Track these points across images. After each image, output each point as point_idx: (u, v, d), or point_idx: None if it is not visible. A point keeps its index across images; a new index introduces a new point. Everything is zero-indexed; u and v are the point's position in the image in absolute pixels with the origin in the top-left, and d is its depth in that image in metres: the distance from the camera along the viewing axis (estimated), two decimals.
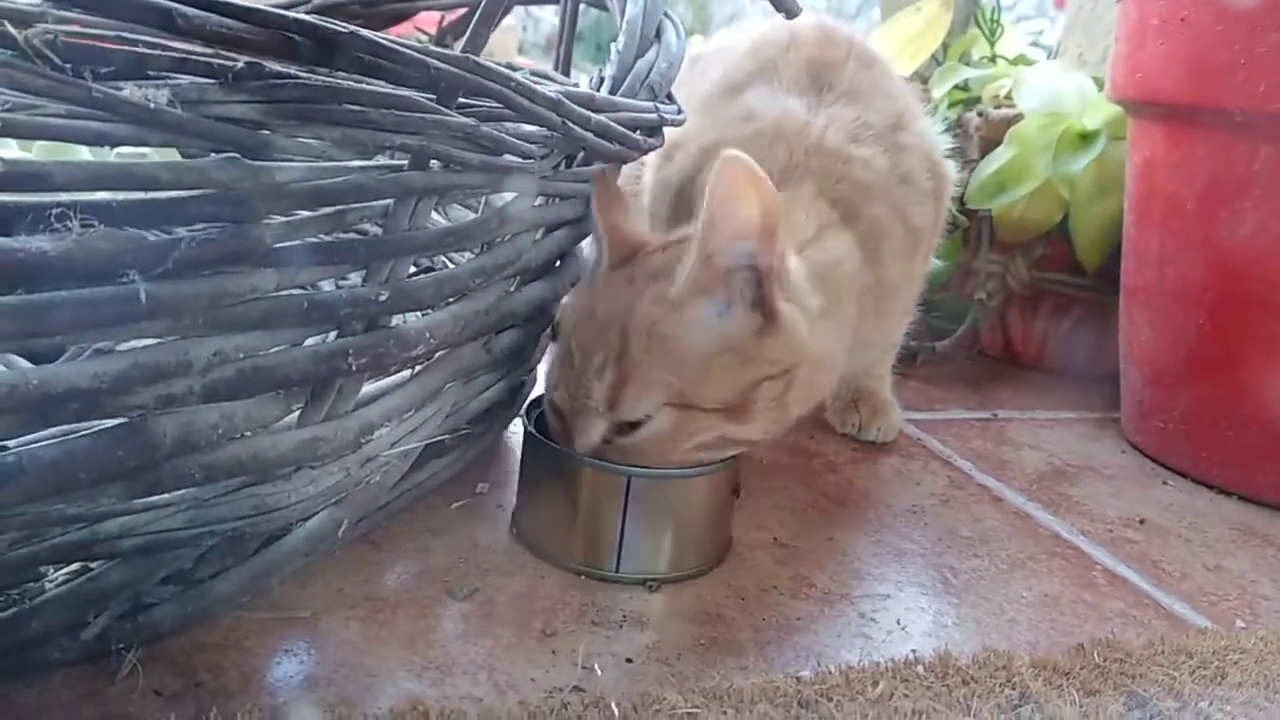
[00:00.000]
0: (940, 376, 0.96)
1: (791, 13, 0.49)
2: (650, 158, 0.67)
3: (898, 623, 0.51)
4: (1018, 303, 1.00)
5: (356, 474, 0.45)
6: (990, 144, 0.94)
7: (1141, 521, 0.68)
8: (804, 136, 0.62)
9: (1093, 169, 0.86)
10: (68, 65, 0.28)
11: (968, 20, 1.11)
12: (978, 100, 0.99)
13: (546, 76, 0.77)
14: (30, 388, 0.32)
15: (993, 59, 1.08)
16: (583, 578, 0.51)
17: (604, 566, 0.51)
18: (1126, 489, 0.75)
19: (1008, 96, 0.97)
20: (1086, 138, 0.86)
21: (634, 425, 0.50)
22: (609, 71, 0.59)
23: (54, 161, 0.30)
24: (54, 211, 0.30)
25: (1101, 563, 0.61)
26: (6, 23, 0.26)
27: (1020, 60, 1.07)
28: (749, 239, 0.48)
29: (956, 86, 1.00)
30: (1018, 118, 0.92)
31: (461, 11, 0.89)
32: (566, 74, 0.76)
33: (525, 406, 0.57)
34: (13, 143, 0.49)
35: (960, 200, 0.95)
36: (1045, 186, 0.89)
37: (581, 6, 0.76)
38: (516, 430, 0.66)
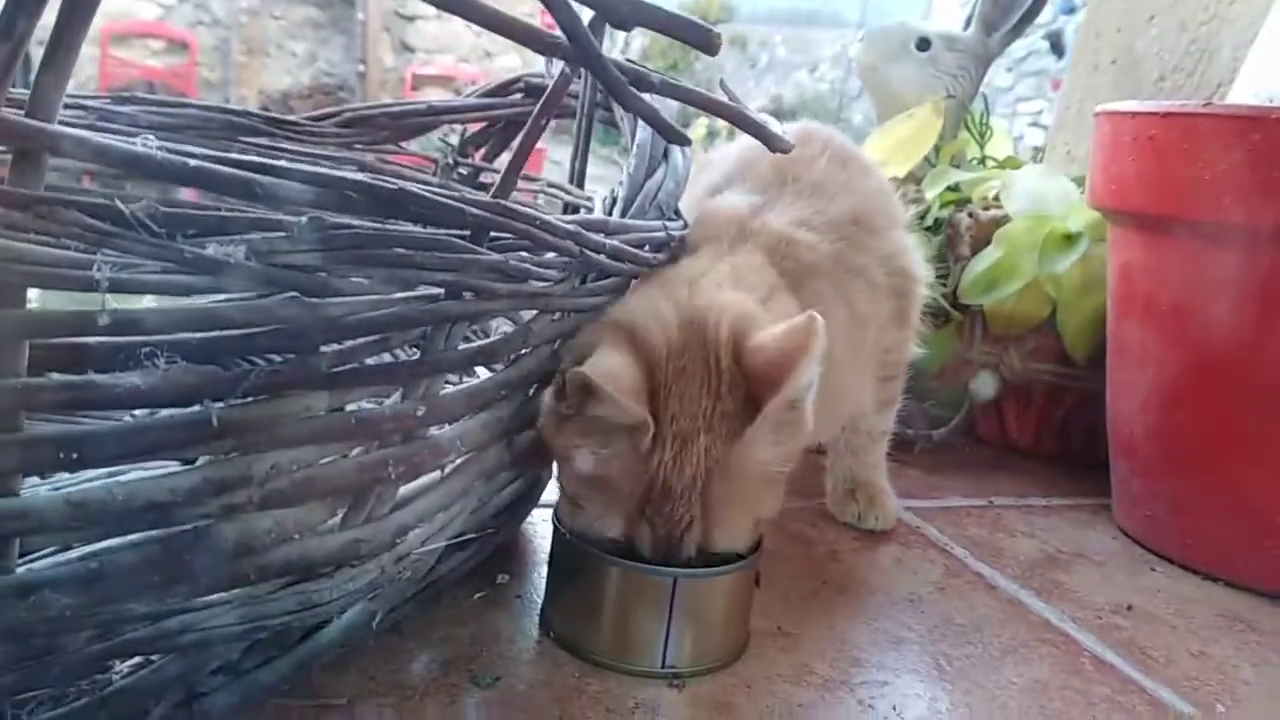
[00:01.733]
0: (938, 464, 1.00)
1: (782, 151, 0.54)
2: None
3: (894, 709, 0.54)
4: (1012, 392, 1.04)
5: (390, 570, 0.49)
6: (980, 243, 0.99)
7: (1129, 608, 0.72)
8: (753, 219, 0.67)
9: (1077, 268, 0.91)
10: (163, 231, 0.33)
11: (958, 124, 1.17)
12: (968, 201, 1.05)
13: (563, 189, 0.83)
14: (117, 502, 0.36)
15: (982, 160, 1.14)
16: (599, 667, 0.55)
17: (634, 662, 0.55)
18: (1116, 576, 0.78)
19: (996, 198, 1.02)
20: (1070, 239, 0.92)
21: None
22: (621, 192, 0.65)
23: (148, 310, 0.35)
24: (144, 350, 0.35)
25: (1090, 649, 0.64)
26: (117, 200, 0.32)
27: (1009, 163, 1.13)
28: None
29: (948, 188, 1.06)
30: (1006, 219, 0.98)
31: (481, 124, 0.96)
32: (581, 186, 0.82)
33: (556, 507, 0.59)
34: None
35: (953, 295, 1.00)
36: (1033, 284, 0.94)
37: None
38: (532, 522, 0.70)
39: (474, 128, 0.98)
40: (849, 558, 0.75)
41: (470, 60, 6.08)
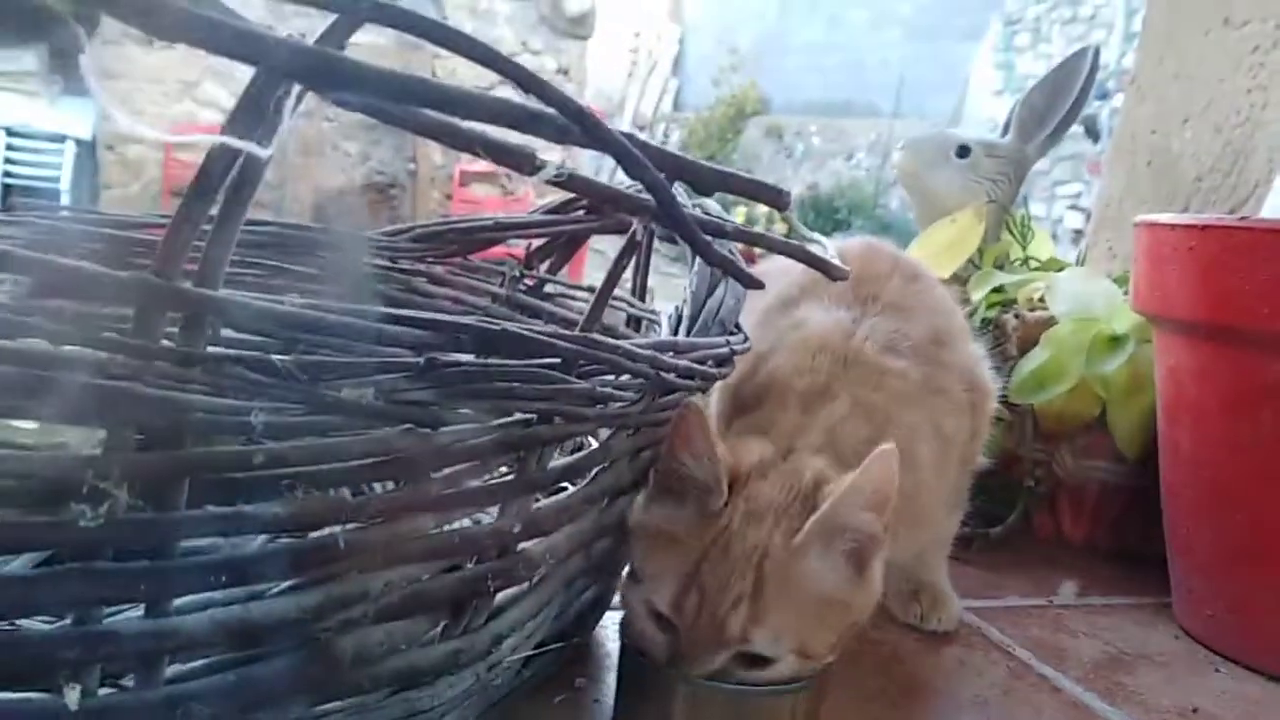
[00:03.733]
0: (996, 563, 1.01)
1: (841, 279, 0.58)
2: None
3: None
4: (1066, 489, 1.06)
5: (484, 678, 0.52)
6: (1028, 343, 1.02)
7: (1195, 710, 0.72)
8: (845, 347, 0.69)
9: (1125, 369, 0.94)
10: (305, 377, 0.38)
11: (1000, 227, 1.21)
12: (1013, 302, 1.08)
13: (629, 302, 0.88)
14: (253, 620, 0.40)
15: (1025, 262, 1.17)
16: None
17: None
18: (1179, 676, 0.78)
19: (1041, 299, 1.06)
20: (1116, 340, 0.94)
21: (757, 660, 0.55)
22: (685, 310, 0.69)
23: (291, 447, 0.39)
24: (285, 483, 0.40)
25: None
26: (271, 355, 0.36)
27: (1051, 264, 1.17)
28: (874, 514, 0.55)
29: (993, 289, 1.10)
30: (1051, 320, 1.01)
31: (543, 240, 1.02)
32: (642, 299, 0.87)
33: (622, 620, 0.62)
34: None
35: (1003, 395, 1.03)
36: (1081, 384, 0.96)
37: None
38: (604, 626, 0.73)
39: (537, 242, 1.04)
40: (911, 659, 0.76)
41: None
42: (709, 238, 0.47)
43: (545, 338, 0.47)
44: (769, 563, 0.54)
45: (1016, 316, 1.05)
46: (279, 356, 0.37)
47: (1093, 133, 6.61)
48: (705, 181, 0.43)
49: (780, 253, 0.54)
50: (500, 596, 0.54)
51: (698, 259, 0.75)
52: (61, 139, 5.13)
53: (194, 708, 0.39)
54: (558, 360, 0.49)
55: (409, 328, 0.42)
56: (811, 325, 0.71)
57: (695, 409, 0.56)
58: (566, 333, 0.48)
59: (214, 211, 0.35)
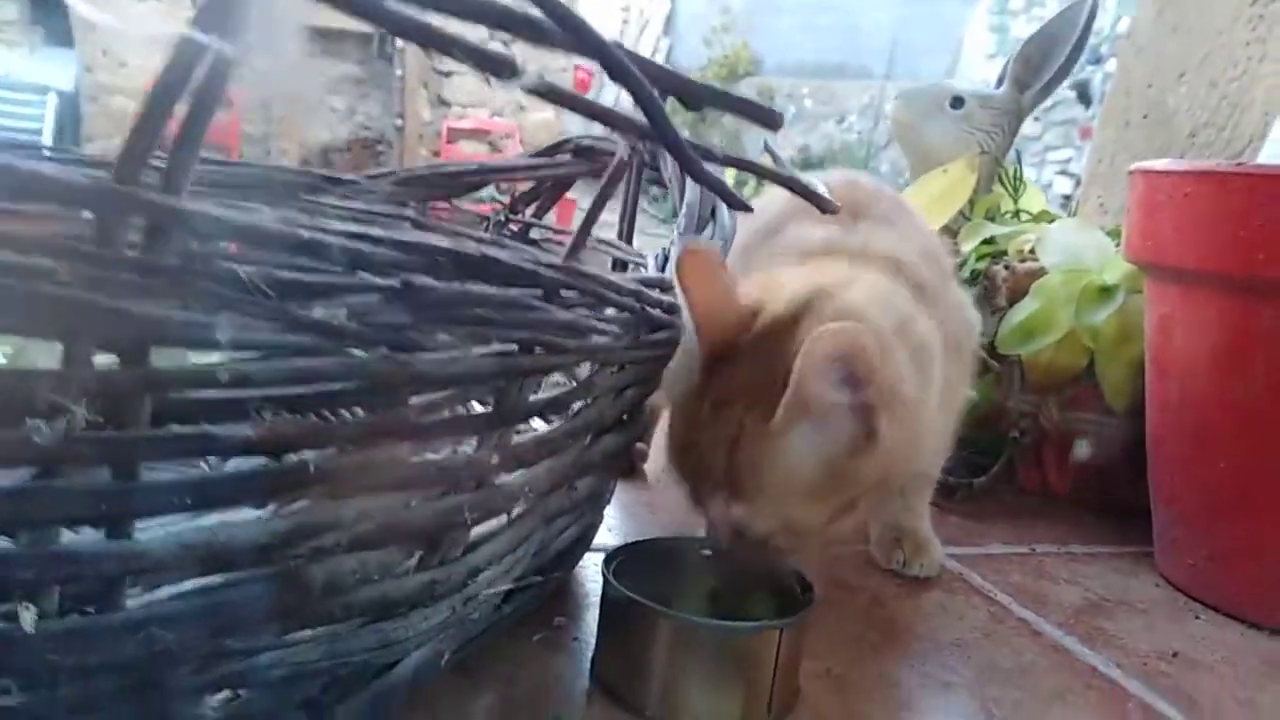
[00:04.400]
0: (979, 512, 1.01)
1: (832, 212, 0.57)
2: None
3: None
4: (1052, 441, 1.06)
5: (460, 611, 0.52)
6: (1017, 294, 1.01)
7: (1175, 655, 0.72)
8: (853, 246, 0.67)
9: (1114, 320, 0.93)
10: (274, 294, 0.37)
11: (992, 179, 1.20)
12: (1004, 254, 1.07)
13: (614, 245, 0.86)
14: (219, 544, 0.39)
15: (1016, 214, 1.16)
16: None
17: (679, 717, 0.55)
18: (1160, 623, 0.79)
19: (1031, 251, 1.05)
20: (1106, 291, 0.94)
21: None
22: (672, 251, 0.68)
23: (259, 365, 0.38)
24: (254, 405, 0.38)
25: (1136, 695, 0.65)
26: (235, 265, 0.35)
27: (1043, 216, 1.16)
28: (859, 387, 0.53)
29: (984, 241, 1.09)
30: (1041, 271, 1.00)
31: (529, 185, 1.00)
32: (629, 242, 0.86)
33: (605, 556, 0.61)
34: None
35: (991, 345, 1.02)
36: (1070, 335, 0.96)
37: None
38: (584, 566, 0.73)
39: (522, 186, 1.02)
40: (893, 604, 0.76)
41: (504, 114, 6.21)
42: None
43: (527, 265, 0.45)
44: (740, 448, 0.55)
45: (1007, 268, 1.04)
46: (246, 269, 0.36)
47: (1085, 98, 6.57)
48: (696, 96, 0.41)
49: (771, 180, 0.52)
50: (478, 530, 0.53)
51: (685, 197, 0.74)
52: (44, 90, 5.04)
53: (157, 632, 0.38)
54: (539, 290, 0.48)
55: (385, 249, 0.40)
56: (809, 238, 0.69)
57: (700, 252, 0.55)
58: (549, 261, 0.47)
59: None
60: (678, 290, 0.56)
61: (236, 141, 5.67)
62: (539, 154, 0.98)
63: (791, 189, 0.53)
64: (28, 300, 0.32)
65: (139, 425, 0.36)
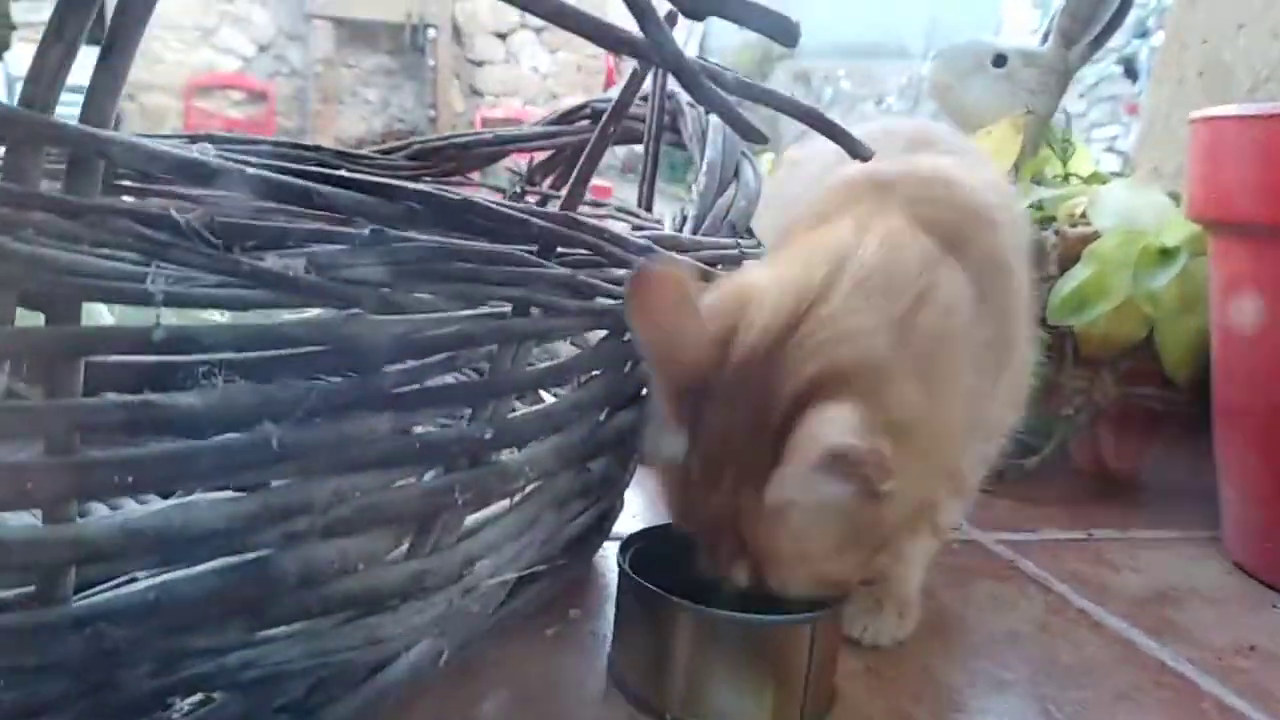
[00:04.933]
0: (1031, 495, 0.94)
1: (863, 157, 0.51)
2: None
3: None
4: (1108, 418, 0.99)
5: (458, 604, 0.47)
6: (1068, 261, 0.94)
7: (1252, 648, 0.66)
8: (894, 170, 0.56)
9: (1175, 285, 0.86)
10: (220, 242, 0.32)
11: (1039, 141, 1.13)
12: (1053, 219, 1.00)
13: (631, 213, 0.81)
14: (173, 529, 0.34)
15: (1066, 178, 1.09)
16: None
17: (704, 718, 0.50)
18: (1234, 613, 0.72)
19: (1083, 214, 0.98)
20: (1167, 254, 0.86)
21: None
22: (691, 211, 0.63)
23: (205, 325, 0.33)
24: (203, 369, 0.34)
25: (1211, 693, 0.59)
26: (172, 209, 0.30)
27: (1095, 178, 1.08)
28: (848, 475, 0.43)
29: (1031, 205, 1.02)
30: (1094, 235, 0.93)
31: (549, 153, 0.95)
32: (649, 209, 0.80)
33: (621, 544, 0.56)
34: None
35: (1041, 316, 0.96)
36: (1127, 303, 0.89)
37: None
38: (604, 555, 0.68)
39: (541, 156, 0.97)
40: (939, 593, 0.70)
41: (537, 103, 6.17)
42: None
43: (516, 213, 0.40)
44: (745, 525, 0.46)
45: (1056, 233, 0.97)
46: (183, 213, 0.31)
47: (1131, 73, 6.37)
48: (691, 2, 0.36)
49: (797, 116, 0.47)
50: (477, 515, 0.48)
51: (706, 156, 0.68)
52: (80, 89, 5.10)
53: (105, 628, 0.34)
54: (533, 247, 0.43)
55: (351, 191, 0.35)
56: (854, 170, 0.57)
57: (654, 275, 0.44)
58: (543, 210, 0.42)
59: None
60: (630, 324, 0.45)
61: (272, 134, 5.70)
62: (556, 120, 0.93)
63: (818, 127, 0.48)
64: None
65: (70, 393, 0.31)
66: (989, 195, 0.57)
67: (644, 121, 0.79)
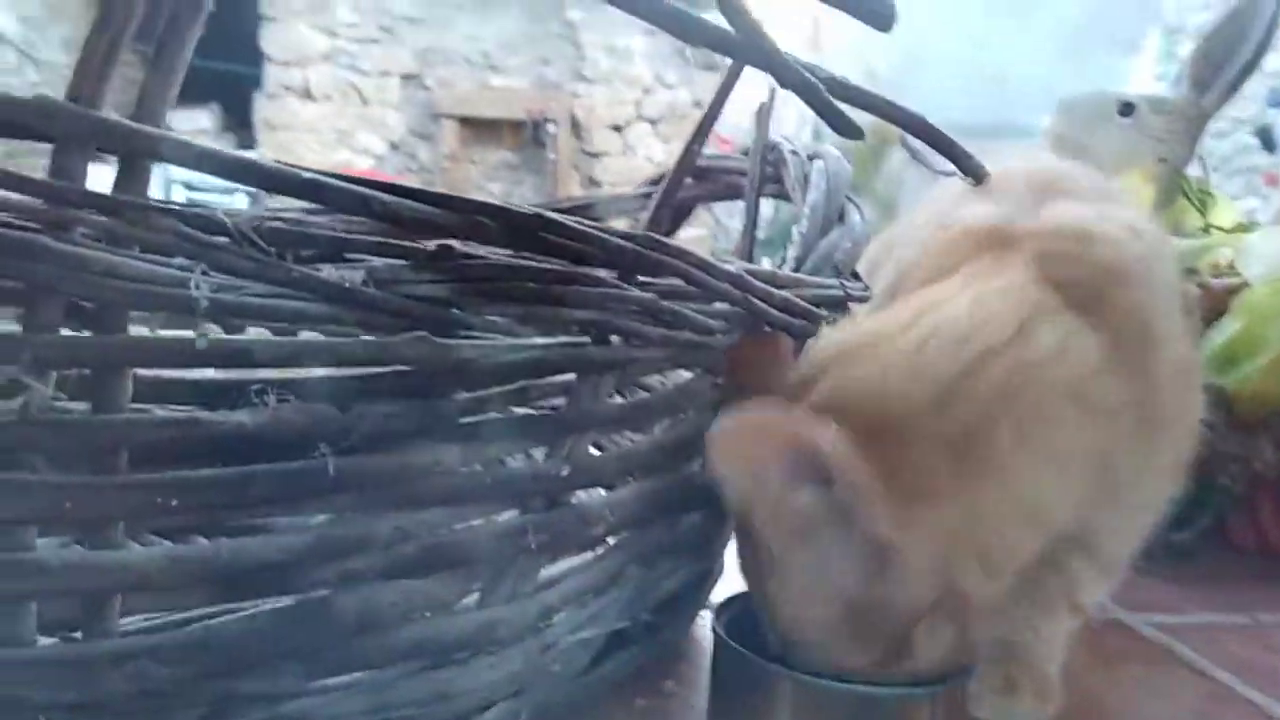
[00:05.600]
0: (1182, 574, 0.84)
1: (978, 176, 0.47)
2: None
3: None
4: (1268, 488, 0.89)
5: (536, 662, 0.43)
6: (1213, 315, 0.87)
7: None
8: (1021, 221, 0.50)
9: None
10: (272, 249, 0.30)
11: (1174, 191, 1.06)
12: (1194, 271, 0.93)
13: (732, 260, 0.78)
14: (221, 560, 0.32)
15: (1206, 229, 1.01)
16: None
17: None
18: None
19: (1230, 265, 0.90)
20: None
21: None
22: (791, 252, 0.59)
23: (257, 340, 0.31)
24: (254, 388, 0.32)
25: None
26: (220, 211, 0.29)
27: (1239, 229, 1.00)
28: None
29: None
30: (1242, 286, 0.85)
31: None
32: (751, 260, 0.77)
33: (716, 608, 0.52)
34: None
35: None
36: None
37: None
38: (704, 622, 0.63)
39: (644, 216, 0.95)
40: (1083, 676, 0.62)
41: None
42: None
43: (594, 230, 0.38)
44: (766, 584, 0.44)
45: (1200, 285, 0.89)
46: (232, 215, 0.29)
47: (1268, 143, 6.08)
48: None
49: (904, 126, 0.43)
50: (559, 569, 0.45)
51: (809, 199, 0.65)
52: (232, 191, 5.48)
53: (148, 666, 0.32)
54: (612, 271, 0.40)
55: (417, 202, 0.33)
56: (972, 215, 0.52)
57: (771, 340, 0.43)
58: (623, 230, 0.39)
59: None
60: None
61: None
62: (652, 182, 0.91)
63: (928, 139, 0.44)
64: None
65: (116, 408, 0.30)
66: (1132, 246, 0.50)
67: (745, 175, 0.77)
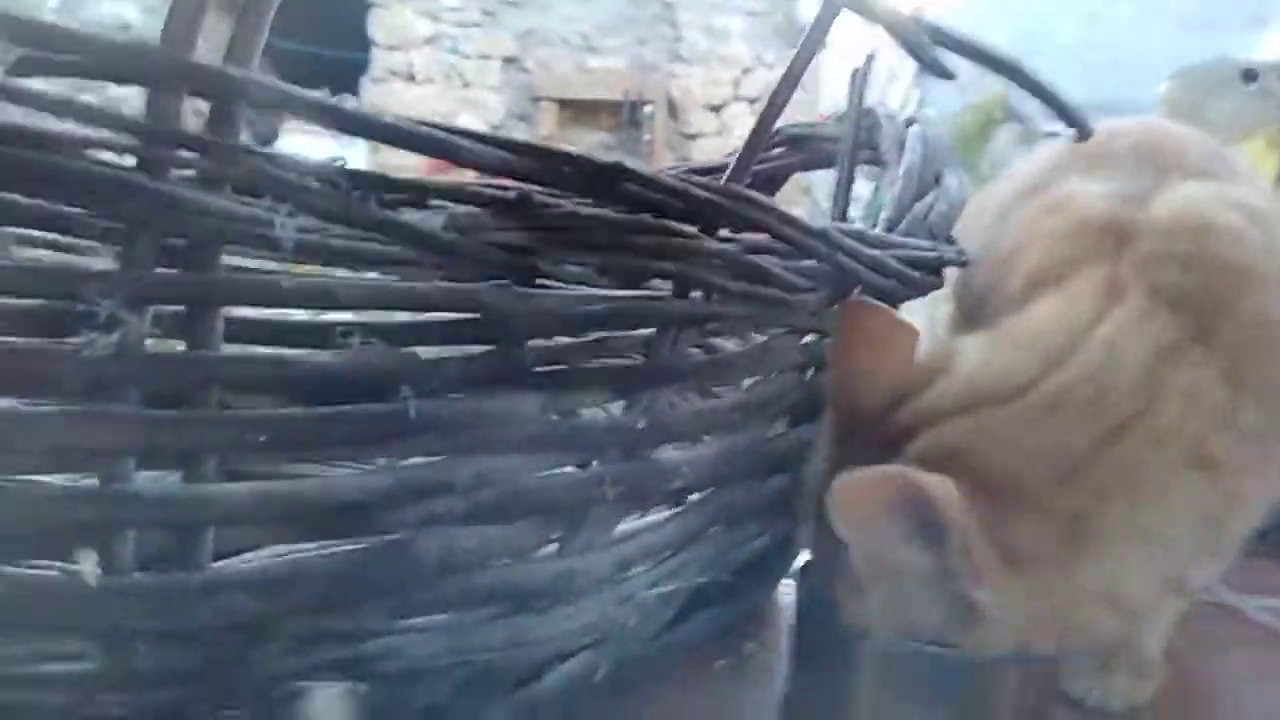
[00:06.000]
0: None
1: (1085, 134, 0.45)
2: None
3: None
4: None
5: (613, 614, 0.43)
6: None
7: None
8: (1132, 214, 0.47)
9: None
10: (355, 192, 0.31)
11: None
12: None
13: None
14: (306, 497, 0.33)
15: None
16: None
17: None
18: None
19: None
20: None
21: None
22: (884, 214, 0.58)
23: (339, 280, 0.32)
24: (340, 329, 0.33)
25: None
26: (302, 152, 0.29)
27: None
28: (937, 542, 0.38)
29: None
30: None
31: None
32: (843, 219, 0.76)
33: (800, 569, 0.51)
34: None
35: None
36: None
37: None
38: (788, 588, 0.62)
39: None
40: (1185, 660, 0.59)
41: None
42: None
43: (675, 182, 0.37)
44: None
45: None
46: (318, 160, 0.30)
47: None
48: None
49: (1017, 80, 0.41)
50: (639, 523, 0.45)
51: (904, 161, 0.63)
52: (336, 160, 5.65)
53: (238, 599, 0.33)
54: (694, 223, 0.39)
55: (490, 147, 0.34)
56: (1082, 199, 0.49)
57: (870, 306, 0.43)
58: (704, 180, 0.39)
59: None
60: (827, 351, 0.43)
61: None
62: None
63: (1039, 94, 0.42)
64: (77, 180, 0.28)
65: (209, 343, 0.31)
66: (1255, 237, 0.46)
67: (837, 142, 0.75)
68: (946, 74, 0.40)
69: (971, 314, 0.52)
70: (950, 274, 0.57)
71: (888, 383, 0.42)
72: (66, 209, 0.29)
